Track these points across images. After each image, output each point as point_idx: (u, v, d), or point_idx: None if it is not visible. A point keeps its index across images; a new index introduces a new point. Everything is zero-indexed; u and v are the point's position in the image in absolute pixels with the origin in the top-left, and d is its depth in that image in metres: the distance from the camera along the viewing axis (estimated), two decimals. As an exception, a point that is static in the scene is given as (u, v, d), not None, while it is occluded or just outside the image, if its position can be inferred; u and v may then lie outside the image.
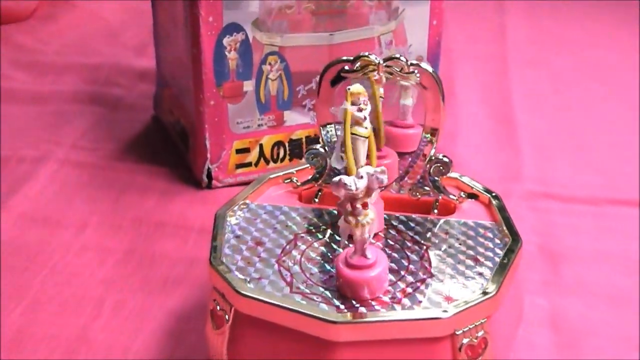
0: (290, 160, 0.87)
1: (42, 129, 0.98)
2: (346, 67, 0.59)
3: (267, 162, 0.86)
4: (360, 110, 0.52)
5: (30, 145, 0.94)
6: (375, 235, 0.57)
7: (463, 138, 0.97)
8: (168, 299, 0.70)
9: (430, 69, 0.58)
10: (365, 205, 0.50)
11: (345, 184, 0.49)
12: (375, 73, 0.58)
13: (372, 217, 0.51)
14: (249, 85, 0.82)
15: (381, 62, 0.57)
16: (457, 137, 0.97)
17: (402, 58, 0.57)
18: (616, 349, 0.66)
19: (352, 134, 0.52)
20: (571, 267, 0.75)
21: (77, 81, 1.11)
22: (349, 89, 0.52)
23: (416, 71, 0.58)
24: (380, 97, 0.62)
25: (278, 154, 0.87)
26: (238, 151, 0.85)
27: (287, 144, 0.87)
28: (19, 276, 0.73)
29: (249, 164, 0.86)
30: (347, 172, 0.51)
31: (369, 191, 0.50)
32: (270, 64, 0.82)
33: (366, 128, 0.52)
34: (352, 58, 0.58)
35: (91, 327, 0.67)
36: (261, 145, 0.85)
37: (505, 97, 1.10)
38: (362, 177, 0.49)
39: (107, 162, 0.91)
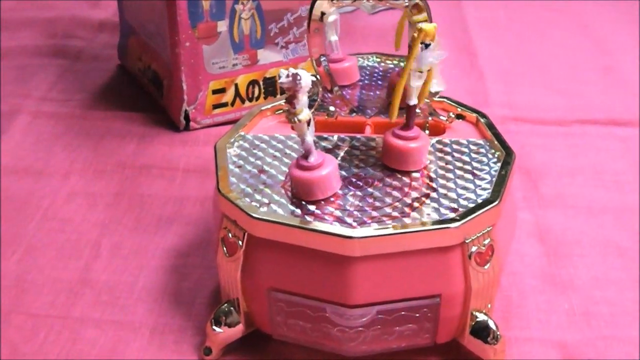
0: (265, 98, 0.88)
1: (8, 83, 0.98)
2: (335, -4, 0.60)
3: (243, 101, 0.88)
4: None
5: (-1, 100, 0.94)
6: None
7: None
8: (164, 237, 0.72)
9: (417, -7, 0.59)
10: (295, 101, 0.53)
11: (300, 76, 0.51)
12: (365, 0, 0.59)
13: (309, 113, 0.53)
14: (222, 26, 0.83)
15: (370, -12, 0.59)
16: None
17: (390, -17, 0.59)
18: (598, 254, 0.70)
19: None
20: (548, 183, 0.78)
21: (36, 35, 1.10)
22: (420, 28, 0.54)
23: (404, -4, 0.59)
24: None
25: (253, 93, 0.88)
26: (214, 92, 0.86)
27: (261, 83, 0.88)
28: (10, 226, 0.73)
29: (225, 104, 0.87)
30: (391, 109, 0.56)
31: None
32: (242, 3, 0.83)
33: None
34: (340, -14, 0.60)
35: (92, 268, 0.68)
36: (236, 85, 0.86)
37: (462, 27, 1.12)
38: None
39: (81, 111, 0.91)
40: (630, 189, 0.77)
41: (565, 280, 0.66)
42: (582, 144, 0.85)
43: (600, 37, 1.09)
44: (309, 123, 0.54)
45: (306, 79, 0.51)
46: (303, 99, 0.52)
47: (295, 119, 0.53)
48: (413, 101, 0.57)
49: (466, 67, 1.01)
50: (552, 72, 1.00)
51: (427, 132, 0.64)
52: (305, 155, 0.55)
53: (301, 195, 0.55)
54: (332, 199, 0.56)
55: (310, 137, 0.54)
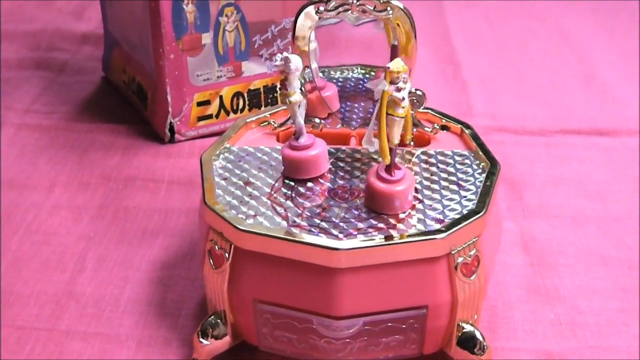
0: (249, 110, 0.88)
1: (-9, 96, 0.98)
2: (320, 8, 0.60)
3: (228, 113, 0.88)
4: (398, 90, 0.53)
5: (-18, 113, 0.93)
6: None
7: (411, 80, 0.99)
8: (149, 249, 0.71)
9: (401, 5, 0.59)
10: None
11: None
12: (349, 12, 0.60)
13: (300, 96, 0.58)
14: (207, 38, 0.83)
15: (355, 0, 0.59)
16: (405, 79, 0.99)
17: (374, -5, 0.59)
18: (583, 264, 0.70)
19: (388, 114, 0.54)
20: (532, 193, 0.79)
21: (19, 48, 1.10)
22: (388, 67, 0.52)
23: (389, 8, 0.59)
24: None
25: (237, 105, 0.88)
26: (199, 104, 0.86)
27: (245, 95, 0.88)
28: (-6, 239, 0.73)
29: (209, 116, 0.87)
30: (381, 154, 0.54)
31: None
32: (227, 15, 0.83)
33: (404, 107, 0.53)
34: (325, -2, 0.60)
35: (77, 281, 0.68)
36: (221, 97, 0.87)
37: (445, 38, 1.12)
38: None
39: (65, 123, 0.91)
40: (613, 199, 0.78)
41: (550, 290, 0.67)
42: (565, 154, 0.85)
43: (582, 46, 1.10)
44: (300, 105, 0.58)
45: (296, 62, 0.55)
46: (294, 82, 0.56)
47: (287, 100, 0.57)
48: (394, 143, 0.55)
49: (449, 78, 1.01)
50: (534, 82, 1.01)
51: (411, 143, 0.64)
52: (297, 137, 0.58)
53: (292, 173, 0.59)
54: (317, 210, 0.56)
55: (301, 119, 0.58)
